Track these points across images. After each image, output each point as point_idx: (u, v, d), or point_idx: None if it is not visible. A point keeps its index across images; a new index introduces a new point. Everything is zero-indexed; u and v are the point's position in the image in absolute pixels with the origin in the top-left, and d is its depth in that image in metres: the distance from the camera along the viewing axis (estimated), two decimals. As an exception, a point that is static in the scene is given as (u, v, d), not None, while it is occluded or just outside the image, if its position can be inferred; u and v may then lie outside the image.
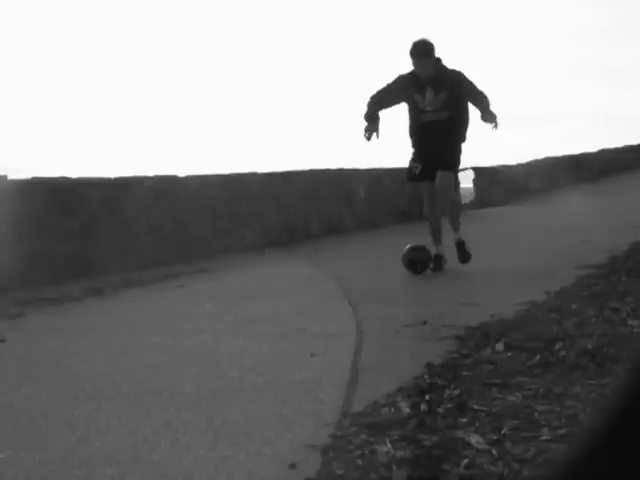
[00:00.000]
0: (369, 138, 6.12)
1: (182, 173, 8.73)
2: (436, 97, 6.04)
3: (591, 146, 32.36)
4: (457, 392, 2.69)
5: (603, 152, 24.71)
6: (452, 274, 6.20)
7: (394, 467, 2.04)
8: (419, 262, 6.07)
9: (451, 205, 6.33)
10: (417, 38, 6.14)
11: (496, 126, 6.07)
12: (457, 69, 6.23)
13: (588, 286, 4.85)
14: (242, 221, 9.48)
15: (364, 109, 6.15)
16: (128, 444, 2.38)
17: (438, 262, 6.23)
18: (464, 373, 2.95)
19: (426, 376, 2.95)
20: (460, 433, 2.28)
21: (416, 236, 6.62)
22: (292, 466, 2.11)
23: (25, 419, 2.70)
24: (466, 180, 16.34)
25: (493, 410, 2.47)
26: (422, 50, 6.06)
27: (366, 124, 6.13)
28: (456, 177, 6.35)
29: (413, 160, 6.28)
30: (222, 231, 9.13)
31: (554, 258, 6.64)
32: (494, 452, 2.11)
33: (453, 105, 6.05)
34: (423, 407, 2.56)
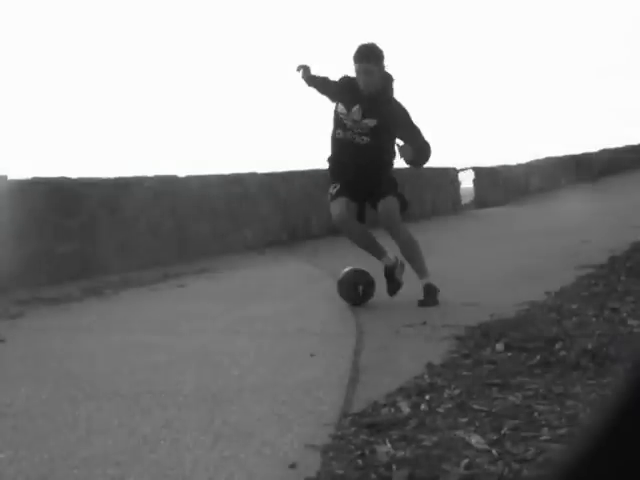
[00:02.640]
0: (299, 70, 5.12)
1: (182, 173, 8.74)
2: (360, 121, 4.77)
3: (591, 146, 32.34)
4: (457, 392, 2.69)
5: (603, 152, 24.72)
6: (452, 274, 6.19)
7: (394, 467, 2.04)
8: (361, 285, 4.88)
9: (403, 244, 4.94)
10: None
11: (408, 161, 4.76)
12: (405, 107, 4.87)
13: (588, 286, 4.85)
14: (242, 221, 9.48)
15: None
16: (128, 444, 2.38)
17: (391, 277, 4.98)
18: (464, 373, 2.95)
19: (426, 376, 2.95)
20: (460, 433, 2.28)
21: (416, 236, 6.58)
22: (292, 466, 2.11)
23: (25, 419, 2.69)
24: (466, 180, 16.35)
25: (493, 410, 2.47)
26: (365, 53, 4.68)
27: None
28: (397, 202, 4.95)
29: (332, 182, 5.01)
30: (222, 231, 9.13)
31: (554, 258, 6.64)
32: (494, 452, 2.11)
33: (376, 134, 4.80)
34: (423, 407, 2.56)
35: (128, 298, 5.81)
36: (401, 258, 5.00)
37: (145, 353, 3.70)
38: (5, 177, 6.57)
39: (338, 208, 4.84)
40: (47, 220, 6.80)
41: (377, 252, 5.02)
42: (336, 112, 4.90)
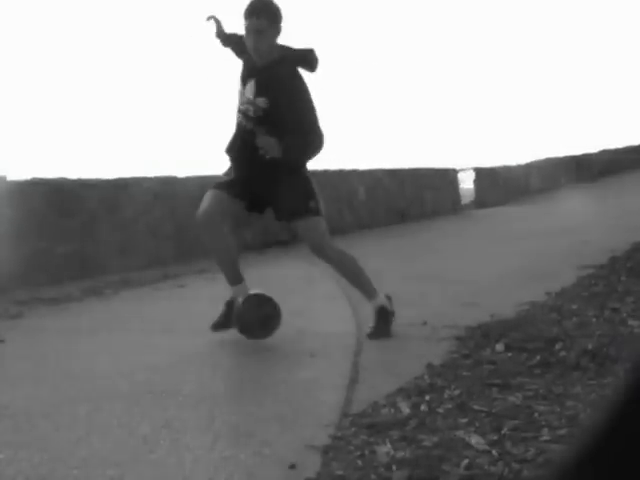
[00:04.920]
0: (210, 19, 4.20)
1: (182, 173, 8.73)
2: (254, 98, 3.79)
3: (591, 146, 32.37)
4: (457, 392, 2.69)
5: (603, 152, 24.72)
6: (452, 274, 6.19)
7: (394, 467, 2.04)
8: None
9: (337, 267, 4.10)
10: None
11: (267, 153, 3.69)
12: (305, 85, 3.83)
13: (588, 286, 4.85)
14: (242, 221, 9.48)
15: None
16: (128, 444, 2.38)
17: (228, 313, 4.00)
18: (464, 373, 2.95)
19: (426, 376, 2.95)
20: (460, 433, 2.27)
21: (414, 238, 6.60)
22: (292, 466, 2.11)
23: (25, 419, 2.69)
24: (466, 180, 16.35)
25: (493, 410, 2.47)
26: (255, 7, 3.73)
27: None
28: (317, 220, 3.91)
29: (228, 169, 4.03)
30: (222, 231, 9.11)
31: (554, 258, 6.64)
32: (494, 452, 2.11)
33: (272, 118, 3.75)
34: (423, 407, 2.56)
35: (128, 298, 5.81)
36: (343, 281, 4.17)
37: (145, 353, 3.70)
38: (5, 177, 6.57)
39: (207, 202, 3.87)
40: (47, 220, 6.80)
41: (232, 276, 4.00)
42: (239, 89, 3.95)
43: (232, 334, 4.10)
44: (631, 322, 3.65)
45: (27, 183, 6.77)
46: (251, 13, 3.73)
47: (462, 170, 16.26)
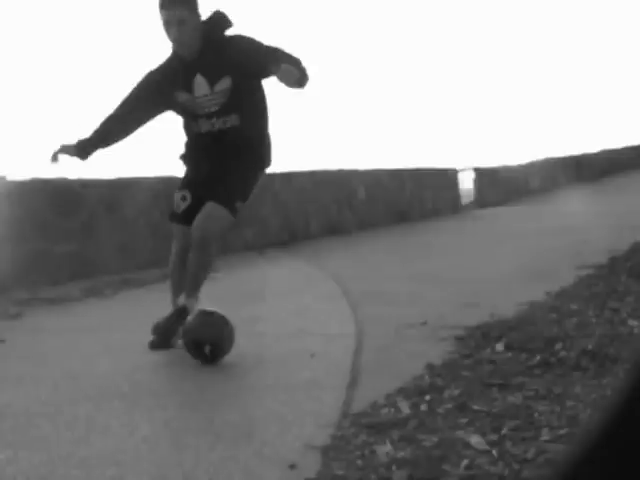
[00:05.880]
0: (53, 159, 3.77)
1: (182, 173, 8.73)
2: (212, 89, 3.54)
3: (591, 146, 32.36)
4: (457, 392, 2.69)
5: (603, 152, 24.73)
6: (452, 274, 6.19)
7: (394, 467, 2.04)
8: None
9: (196, 262, 3.69)
10: None
11: (297, 83, 3.36)
12: (238, 33, 3.62)
13: (588, 286, 4.85)
14: (242, 221, 9.48)
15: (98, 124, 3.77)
16: (128, 444, 2.38)
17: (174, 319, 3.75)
18: (464, 373, 2.95)
19: (426, 376, 2.94)
20: (460, 433, 2.27)
21: (413, 238, 6.59)
22: (292, 466, 2.11)
23: (25, 419, 2.69)
24: (466, 180, 16.36)
25: (493, 410, 2.47)
26: None
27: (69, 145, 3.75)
28: (229, 220, 3.66)
29: (179, 189, 3.88)
30: (222, 231, 9.11)
31: (554, 258, 6.64)
32: (494, 452, 2.11)
33: (242, 99, 3.57)
34: (423, 407, 2.56)
35: (128, 298, 5.81)
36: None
37: (145, 353, 3.70)
38: (4, 177, 6.57)
39: (177, 244, 3.90)
40: (47, 220, 6.80)
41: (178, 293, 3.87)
42: (179, 107, 3.69)
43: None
44: (631, 322, 3.65)
45: (27, 183, 6.77)
46: (169, 3, 3.46)
47: (462, 170, 16.27)
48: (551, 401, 2.54)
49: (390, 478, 1.99)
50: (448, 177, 15.45)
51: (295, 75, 3.29)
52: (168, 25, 3.48)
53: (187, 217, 3.72)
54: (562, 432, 2.23)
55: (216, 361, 3.42)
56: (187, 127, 3.75)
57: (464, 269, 6.46)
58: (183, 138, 3.87)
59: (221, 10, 3.65)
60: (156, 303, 5.49)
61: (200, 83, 3.56)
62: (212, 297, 5.51)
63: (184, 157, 3.90)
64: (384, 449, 2.17)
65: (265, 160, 3.79)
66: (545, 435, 2.22)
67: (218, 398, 2.89)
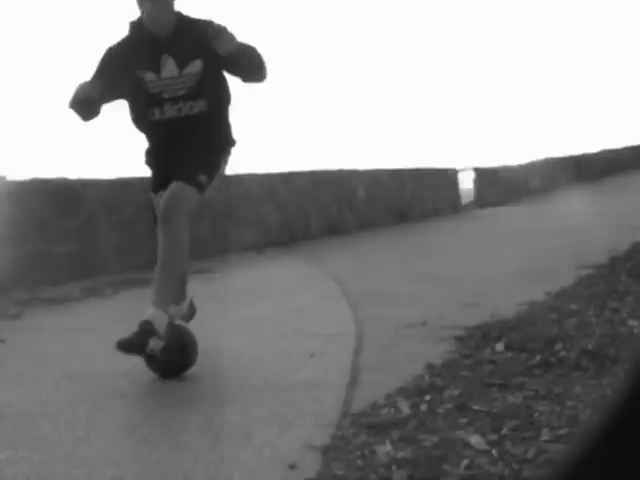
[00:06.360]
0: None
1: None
2: (180, 72, 3.29)
3: (591, 146, 32.38)
4: (457, 392, 2.69)
5: (603, 152, 24.73)
6: (452, 274, 6.19)
7: (394, 467, 2.04)
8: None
9: (167, 245, 3.24)
10: None
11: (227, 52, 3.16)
12: (210, 18, 3.27)
13: (588, 286, 4.85)
14: (242, 221, 9.48)
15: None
16: (128, 444, 2.38)
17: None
18: (464, 373, 2.95)
19: (426, 376, 2.94)
20: (460, 433, 2.27)
21: (413, 238, 6.59)
22: (292, 466, 2.11)
23: (25, 419, 2.69)
24: (466, 180, 16.36)
25: (493, 410, 2.47)
26: None
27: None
28: (195, 198, 3.34)
29: (154, 191, 3.53)
30: (222, 231, 9.12)
31: (554, 258, 6.64)
32: (494, 452, 2.11)
33: (211, 85, 3.35)
34: (423, 407, 2.56)
35: (128, 298, 5.81)
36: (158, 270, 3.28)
37: (145, 353, 3.70)
38: (4, 177, 6.57)
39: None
40: (47, 220, 6.80)
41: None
42: (139, 86, 3.33)
43: (231, 334, 4.11)
44: (631, 322, 3.65)
45: (27, 182, 6.77)
46: None
47: (462, 170, 16.27)
48: (551, 401, 2.54)
49: (390, 478, 1.99)
50: (448, 177, 15.45)
51: (231, 42, 3.08)
52: (140, 2, 3.24)
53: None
54: (562, 432, 2.23)
55: (175, 374, 3.14)
56: (143, 117, 3.40)
57: (464, 269, 6.46)
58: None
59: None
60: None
61: (168, 64, 3.29)
62: (212, 297, 5.52)
63: (148, 154, 3.57)
64: (384, 449, 2.17)
65: (230, 141, 3.54)
66: (545, 435, 2.23)
67: (218, 398, 2.89)
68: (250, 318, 4.54)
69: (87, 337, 4.26)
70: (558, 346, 3.21)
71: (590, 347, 3.11)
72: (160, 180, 3.47)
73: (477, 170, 16.77)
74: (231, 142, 3.56)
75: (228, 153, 3.55)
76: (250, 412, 2.68)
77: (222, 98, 3.47)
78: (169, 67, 3.28)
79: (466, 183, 16.35)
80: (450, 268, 6.48)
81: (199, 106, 3.33)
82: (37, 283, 6.38)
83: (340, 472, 2.04)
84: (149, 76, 3.30)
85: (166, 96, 3.30)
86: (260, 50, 3.32)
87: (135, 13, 3.39)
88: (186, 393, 2.98)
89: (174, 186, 3.26)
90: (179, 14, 3.36)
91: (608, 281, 4.96)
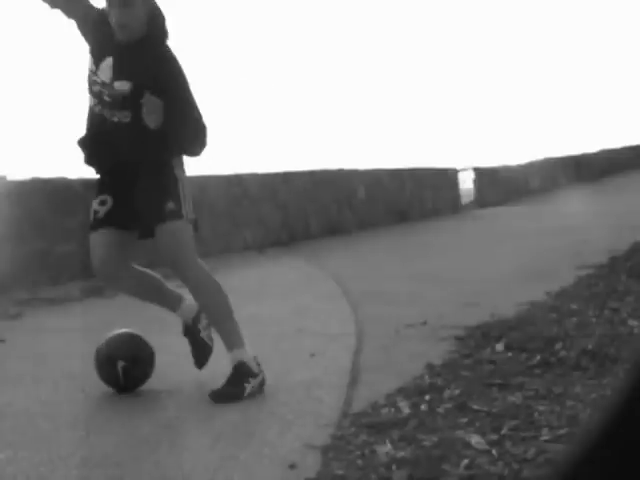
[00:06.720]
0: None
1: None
2: (112, 82, 3.02)
3: (591, 146, 32.40)
4: (457, 392, 2.69)
5: (603, 152, 24.73)
6: (452, 274, 6.19)
7: (394, 467, 2.04)
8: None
9: (196, 292, 3.16)
10: None
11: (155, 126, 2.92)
12: (179, 64, 3.10)
13: (588, 286, 4.85)
14: (242, 221, 9.48)
15: None
16: (128, 444, 2.38)
17: (194, 338, 3.27)
18: (464, 373, 2.95)
19: (426, 376, 2.95)
20: (460, 433, 2.27)
21: (413, 238, 6.59)
22: (292, 466, 2.11)
23: (25, 419, 2.69)
24: (466, 180, 16.36)
25: (493, 410, 2.47)
26: None
27: None
28: (181, 232, 3.10)
29: (96, 195, 3.36)
30: (222, 231, 9.12)
31: (554, 258, 6.64)
32: (494, 452, 2.11)
33: (139, 103, 2.95)
34: (423, 407, 2.56)
35: (128, 298, 5.81)
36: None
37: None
38: (5, 177, 6.57)
39: (97, 250, 3.28)
40: (47, 220, 6.80)
41: (169, 302, 3.36)
42: (89, 65, 3.12)
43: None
44: (631, 322, 3.65)
45: (27, 182, 6.77)
46: None
47: (462, 170, 16.27)
48: (551, 401, 2.54)
49: (390, 478, 1.99)
50: (448, 177, 15.45)
51: (156, 118, 2.89)
52: (111, 5, 2.99)
53: (111, 220, 3.19)
54: (562, 432, 2.23)
55: (130, 384, 3.04)
56: (90, 98, 3.14)
57: (464, 269, 6.46)
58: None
59: (162, 12, 3.13)
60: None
61: (105, 67, 3.05)
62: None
63: (82, 143, 3.23)
64: (384, 449, 2.18)
65: (172, 150, 3.13)
66: (545, 435, 2.23)
67: (218, 398, 2.88)
68: (250, 318, 4.54)
69: (87, 337, 4.26)
70: (558, 346, 3.21)
71: (590, 347, 3.11)
72: (105, 183, 3.27)
73: (477, 170, 16.76)
74: (163, 156, 3.13)
75: (178, 162, 3.21)
76: (250, 412, 2.68)
77: (169, 115, 3.00)
78: (105, 70, 3.05)
79: (466, 183, 16.35)
80: (450, 268, 6.48)
81: (122, 117, 3.03)
82: (37, 283, 6.38)
83: (340, 472, 2.04)
84: (91, 64, 3.09)
85: (95, 90, 3.07)
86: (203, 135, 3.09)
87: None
88: (186, 393, 2.98)
89: (165, 232, 3.04)
90: (152, 29, 3.08)
91: (608, 281, 4.96)
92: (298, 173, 10.79)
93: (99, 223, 3.23)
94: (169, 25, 3.14)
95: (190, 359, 3.32)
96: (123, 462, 2.22)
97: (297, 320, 4.40)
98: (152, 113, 2.90)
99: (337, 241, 10.21)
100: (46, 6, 3.14)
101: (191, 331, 3.24)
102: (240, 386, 2.88)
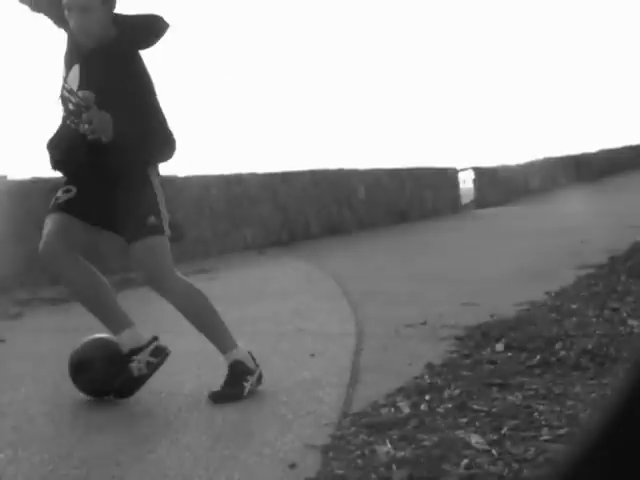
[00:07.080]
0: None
1: (182, 173, 8.73)
2: (77, 90, 2.94)
3: (591, 146, 32.41)
4: (457, 392, 2.69)
5: (603, 152, 24.74)
6: (452, 274, 6.19)
7: (394, 467, 2.04)
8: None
9: (178, 304, 3.15)
10: None
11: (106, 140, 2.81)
12: (147, 73, 3.02)
13: (588, 286, 4.85)
14: (242, 221, 9.48)
15: None
16: (128, 444, 2.38)
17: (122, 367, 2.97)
18: (464, 373, 2.95)
19: (426, 376, 2.95)
20: (460, 433, 2.27)
21: (413, 237, 6.59)
22: (292, 466, 2.11)
23: (25, 419, 2.69)
24: (466, 180, 16.36)
25: (493, 410, 2.47)
26: None
27: None
28: (160, 247, 3.06)
29: (65, 183, 3.28)
30: (222, 231, 9.13)
31: (554, 258, 6.64)
32: (494, 452, 2.11)
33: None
34: (423, 407, 2.56)
35: (129, 298, 5.81)
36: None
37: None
38: (5, 177, 6.57)
39: (46, 230, 3.12)
40: (47, 220, 6.80)
41: (112, 321, 3.22)
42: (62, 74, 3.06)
43: (233, 333, 4.10)
44: (631, 322, 3.65)
45: (27, 183, 6.77)
46: None
47: (462, 170, 16.27)
48: (551, 401, 2.54)
49: (390, 478, 1.99)
50: (448, 177, 15.45)
51: (105, 133, 2.79)
52: (69, 9, 2.87)
53: (69, 207, 3.10)
54: (562, 432, 2.23)
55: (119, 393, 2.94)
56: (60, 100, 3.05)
57: (464, 269, 6.46)
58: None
59: (161, 22, 2.95)
60: (156, 303, 5.49)
61: (72, 76, 2.97)
62: (212, 297, 5.52)
63: (50, 145, 3.18)
64: (384, 449, 2.18)
65: (143, 158, 3.04)
66: (545, 435, 2.23)
67: (218, 398, 2.88)
68: (250, 318, 4.54)
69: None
70: (558, 346, 3.21)
71: (590, 347, 3.11)
72: (73, 179, 3.21)
73: (477, 170, 16.76)
74: (143, 168, 3.06)
75: (154, 171, 3.14)
76: (250, 412, 2.68)
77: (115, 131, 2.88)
78: (72, 78, 2.96)
79: (466, 183, 16.35)
80: (450, 268, 6.48)
81: (84, 127, 2.88)
82: (37, 283, 6.38)
83: (340, 472, 2.04)
84: (63, 71, 3.04)
85: (64, 96, 2.99)
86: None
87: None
88: (186, 393, 2.98)
89: (135, 254, 3.04)
90: (120, 36, 2.97)
91: (608, 281, 4.96)
92: (298, 173, 10.79)
93: (57, 207, 3.14)
94: (156, 26, 2.96)
95: (191, 359, 3.33)
96: (123, 462, 2.22)
97: (297, 320, 4.41)
98: (100, 130, 2.79)
99: (337, 241, 10.21)
100: (26, 8, 3.06)
101: (124, 359, 2.99)
102: (239, 386, 2.88)
